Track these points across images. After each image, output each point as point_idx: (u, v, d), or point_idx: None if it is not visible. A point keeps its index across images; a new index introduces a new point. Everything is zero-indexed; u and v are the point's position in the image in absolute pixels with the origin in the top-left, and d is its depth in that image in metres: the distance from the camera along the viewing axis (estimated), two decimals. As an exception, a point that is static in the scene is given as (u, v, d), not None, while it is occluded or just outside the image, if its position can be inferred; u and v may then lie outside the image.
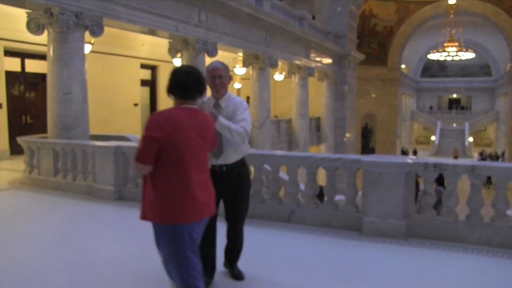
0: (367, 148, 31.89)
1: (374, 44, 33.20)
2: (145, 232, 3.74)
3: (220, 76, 3.64)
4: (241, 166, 3.79)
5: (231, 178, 3.73)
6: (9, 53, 12.68)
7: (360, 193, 5.66)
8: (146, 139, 2.82)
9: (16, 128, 12.54)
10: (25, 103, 13.37)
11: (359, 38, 28.40)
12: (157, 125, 2.84)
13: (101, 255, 4.67)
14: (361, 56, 27.20)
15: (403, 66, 40.93)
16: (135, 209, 6.61)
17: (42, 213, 6.67)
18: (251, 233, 5.45)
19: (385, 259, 4.56)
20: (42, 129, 10.95)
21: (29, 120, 13.26)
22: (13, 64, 13.02)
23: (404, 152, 33.42)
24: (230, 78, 3.74)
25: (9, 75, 12.76)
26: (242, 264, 4.28)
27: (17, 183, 8.75)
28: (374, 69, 32.65)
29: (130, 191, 7.34)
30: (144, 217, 2.96)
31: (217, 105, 3.71)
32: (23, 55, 13.21)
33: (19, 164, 9.72)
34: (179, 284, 2.96)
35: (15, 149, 11.15)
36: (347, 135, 25.10)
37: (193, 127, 2.95)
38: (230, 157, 3.68)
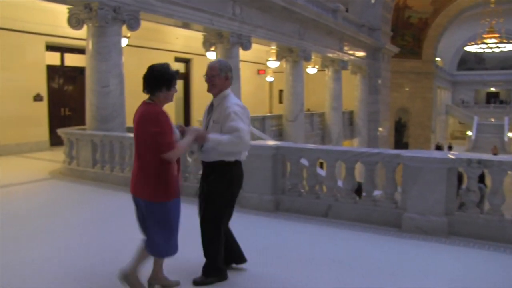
0: (400, 142, 31.36)
1: (408, 36, 32.52)
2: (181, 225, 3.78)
3: (212, 75, 3.67)
4: (220, 167, 3.66)
5: (208, 175, 3.74)
6: (50, 47, 13.00)
7: (399, 188, 5.57)
8: None
9: (55, 120, 12.86)
10: (64, 96, 13.67)
11: (393, 31, 27.90)
12: None
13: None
14: (395, 49, 26.74)
15: (438, 59, 39.99)
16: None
17: (82, 203, 6.83)
18: (287, 227, 5.49)
19: (427, 257, 4.46)
20: (80, 121, 11.19)
21: (67, 112, 13.55)
22: (54, 58, 13.34)
23: (439, 147, 32.67)
24: (226, 78, 3.68)
25: (50, 69, 13.08)
26: (278, 258, 4.28)
27: (57, 173, 8.98)
28: (408, 62, 32.00)
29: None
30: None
31: (211, 104, 3.77)
32: (63, 50, 13.52)
33: (58, 155, 9.96)
34: (167, 249, 3.45)
35: (55, 140, 11.42)
36: (380, 129, 24.76)
37: (134, 119, 3.41)
38: (209, 155, 3.67)
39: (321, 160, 6.31)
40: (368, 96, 23.72)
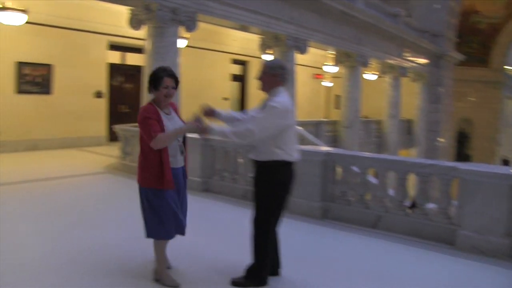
0: (462, 154, 30.09)
1: (475, 43, 31.11)
2: (226, 225, 3.75)
3: (261, 73, 3.70)
4: (268, 167, 3.62)
5: (256, 176, 3.72)
6: (112, 46, 13.45)
7: (454, 203, 5.28)
8: None
9: (113, 117, 13.28)
10: (123, 93, 14.09)
11: (458, 37, 26.83)
12: None
13: (183, 247, 4.69)
14: (459, 56, 25.69)
15: (508, 67, 37.98)
16: (219, 201, 6.77)
17: (130, 198, 6.93)
18: (333, 236, 5.34)
19: (483, 279, 4.19)
20: (137, 118, 11.49)
21: (125, 110, 13.95)
22: (115, 57, 13.82)
23: (506, 162, 31.01)
24: (274, 75, 3.63)
25: (111, 67, 13.55)
26: (319, 268, 4.15)
27: (111, 168, 9.24)
28: (474, 70, 30.61)
29: (215, 183, 7.45)
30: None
31: (264, 100, 3.74)
32: (124, 49, 13.93)
33: (114, 150, 10.24)
34: (157, 231, 3.73)
35: (113, 136, 11.74)
36: (441, 139, 23.85)
37: None
38: (258, 155, 3.66)
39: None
40: (428, 105, 22.90)
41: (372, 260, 4.55)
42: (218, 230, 5.32)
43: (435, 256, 4.73)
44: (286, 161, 3.63)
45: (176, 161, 3.75)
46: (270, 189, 3.63)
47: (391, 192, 5.88)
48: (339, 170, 6.19)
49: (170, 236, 3.75)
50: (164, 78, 3.64)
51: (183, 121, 3.82)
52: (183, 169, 3.86)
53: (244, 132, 3.51)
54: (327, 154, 6.10)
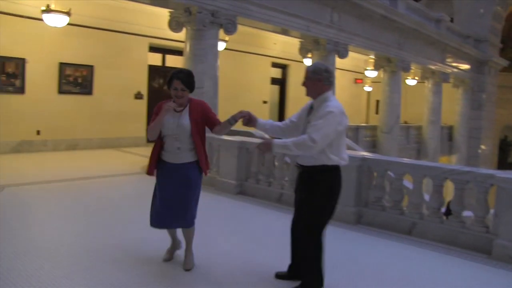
0: (504, 162, 29.14)
1: (522, 49, 30.12)
2: (258, 228, 3.78)
3: (305, 78, 3.63)
4: (318, 172, 3.52)
5: (304, 180, 3.63)
6: (152, 48, 13.72)
7: (492, 211, 5.15)
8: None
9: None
10: (163, 94, 14.30)
11: (503, 42, 26.03)
12: None
13: (214, 247, 4.77)
14: (504, 62, 24.92)
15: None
16: (253, 204, 6.81)
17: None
18: (366, 242, 5.30)
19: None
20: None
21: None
22: (156, 59, 14.08)
23: (549, 171, 29.89)
24: (318, 80, 3.54)
25: (151, 68, 13.81)
26: (352, 273, 4.13)
27: (148, 169, 9.40)
28: (519, 77, 29.64)
29: (250, 186, 7.48)
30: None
31: (311, 106, 3.66)
32: (164, 51, 14.19)
33: (152, 151, 10.43)
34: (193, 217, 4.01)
35: (153, 137, 11.93)
36: (482, 147, 23.20)
37: None
38: (305, 159, 3.57)
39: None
40: (470, 111, 22.35)
41: (405, 267, 4.49)
42: (250, 233, 5.36)
43: (470, 265, 4.63)
44: (336, 166, 3.54)
45: (171, 156, 3.92)
46: (322, 195, 3.53)
47: (427, 198, 5.79)
48: (374, 175, 6.13)
49: (153, 224, 4.06)
50: (174, 80, 3.81)
51: (193, 119, 3.88)
52: (188, 165, 3.94)
53: (306, 142, 3.36)
54: (363, 159, 6.06)
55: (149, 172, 4.04)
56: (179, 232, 4.17)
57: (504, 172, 5.13)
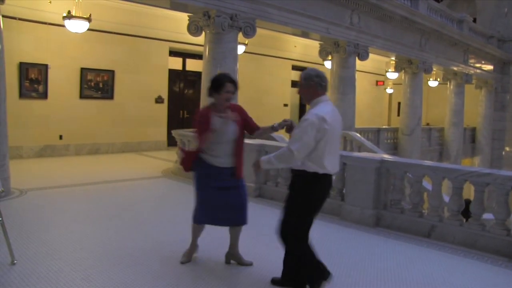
0: (529, 164, 28.51)
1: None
2: (273, 229, 3.78)
3: (299, 85, 3.70)
4: (297, 177, 3.59)
5: (291, 182, 3.72)
6: (173, 53, 13.85)
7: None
8: None
9: (174, 122, 13.60)
10: (184, 99, 14.46)
11: (528, 42, 25.48)
12: None
13: (225, 246, 4.75)
14: (528, 62, 24.41)
15: None
16: (271, 207, 6.78)
17: (188, 202, 7.09)
18: (385, 245, 5.25)
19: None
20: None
21: (186, 115, 14.30)
22: (176, 63, 14.21)
23: None
24: (309, 86, 3.56)
25: (172, 73, 13.94)
26: (370, 274, 4.09)
27: (168, 173, 9.49)
28: (545, 77, 28.95)
29: (269, 189, 7.49)
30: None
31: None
32: (185, 55, 14.32)
33: (173, 155, 10.51)
34: (193, 215, 4.26)
35: (172, 141, 12.05)
36: (507, 148, 22.75)
37: None
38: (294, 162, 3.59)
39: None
40: (493, 113, 21.96)
41: (424, 270, 4.43)
42: (265, 234, 5.33)
43: (490, 269, 4.56)
44: (317, 173, 3.48)
45: (220, 161, 4.01)
46: (301, 198, 3.56)
47: (446, 200, 5.71)
48: (393, 177, 6.07)
49: (199, 221, 4.27)
50: (226, 83, 3.93)
51: (238, 124, 3.99)
52: (232, 169, 4.06)
53: (285, 154, 3.45)
54: (381, 161, 6.01)
55: (187, 169, 4.21)
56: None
57: (525, 174, 5.02)
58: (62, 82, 11.29)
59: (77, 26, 10.15)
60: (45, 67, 10.94)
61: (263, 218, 6.07)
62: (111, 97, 12.33)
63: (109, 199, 7.02)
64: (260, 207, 6.87)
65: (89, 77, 11.84)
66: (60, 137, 11.36)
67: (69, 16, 9.93)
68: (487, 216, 5.45)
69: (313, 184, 3.52)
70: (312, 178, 3.50)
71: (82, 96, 11.75)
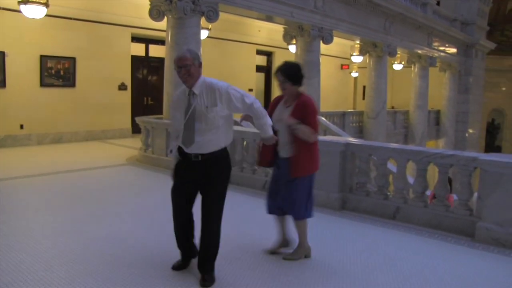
0: (492, 146, 29.33)
1: (509, 31, 30.01)
2: (242, 219, 3.73)
3: (186, 66, 3.46)
4: (219, 157, 3.57)
5: (207, 168, 3.55)
6: (135, 39, 13.50)
7: (475, 195, 5.12)
8: (316, 117, 3.97)
9: (138, 109, 13.33)
10: (147, 85, 14.18)
11: (490, 25, 26.02)
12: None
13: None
14: (491, 45, 24.96)
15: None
16: (238, 193, 6.71)
17: (150, 190, 7.00)
18: (352, 227, 5.26)
19: (500, 272, 4.05)
20: (161, 110, 11.57)
21: (149, 102, 14.05)
22: (139, 49, 13.87)
23: (537, 153, 30.12)
24: (199, 65, 3.54)
25: (135, 59, 13.61)
26: (336, 257, 4.08)
27: (133, 160, 9.32)
28: (507, 60, 29.60)
29: (235, 174, 7.36)
30: (301, 174, 3.96)
31: (191, 93, 3.53)
32: (147, 41, 13.99)
33: (137, 142, 10.32)
34: (306, 213, 4.06)
35: (136, 128, 11.83)
36: (470, 130, 23.30)
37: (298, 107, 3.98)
38: (204, 147, 3.51)
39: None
40: (457, 95, 22.38)
41: (389, 251, 4.45)
42: (236, 220, 5.29)
43: (454, 248, 4.61)
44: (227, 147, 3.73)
45: (281, 151, 4.05)
46: (226, 178, 3.72)
47: (411, 181, 5.76)
48: (358, 160, 6.09)
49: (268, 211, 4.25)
50: (276, 72, 3.99)
51: (295, 118, 3.90)
52: (286, 161, 4.01)
53: (258, 112, 3.61)
54: (347, 144, 6.01)
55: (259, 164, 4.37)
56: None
57: (488, 155, 5.09)
58: (21, 70, 10.87)
59: (34, 12, 9.78)
60: (2, 54, 10.51)
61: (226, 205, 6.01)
62: (73, 84, 11.96)
63: (72, 189, 6.82)
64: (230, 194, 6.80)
65: (49, 64, 11.44)
66: (21, 126, 10.98)
67: (25, 1, 9.54)
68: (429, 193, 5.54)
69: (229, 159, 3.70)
70: (227, 152, 3.67)
71: (42, 84, 11.36)
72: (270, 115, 3.83)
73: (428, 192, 5.69)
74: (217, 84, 3.51)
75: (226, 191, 3.65)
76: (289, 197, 4.01)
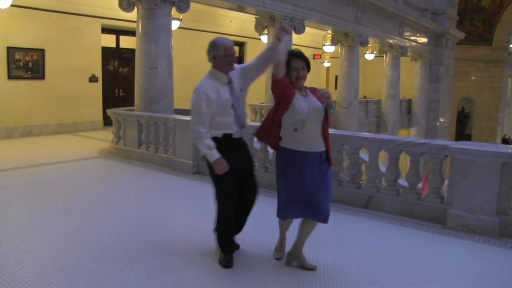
0: (462, 134, 29.96)
1: (478, 21, 30.60)
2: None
3: (234, 53, 3.84)
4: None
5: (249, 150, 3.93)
6: (105, 30, 13.23)
7: (446, 182, 5.20)
8: None
9: (109, 101, 13.09)
10: (118, 77, 13.95)
11: (460, 15, 26.42)
12: None
13: (171, 228, 4.70)
14: (461, 35, 25.37)
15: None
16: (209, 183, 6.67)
17: (123, 182, 6.92)
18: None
19: (470, 258, 4.12)
20: (133, 102, 11.42)
21: (121, 94, 13.82)
22: (109, 40, 13.61)
23: (506, 141, 30.88)
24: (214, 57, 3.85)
25: (105, 50, 13.35)
26: (311, 249, 4.09)
27: (105, 153, 9.17)
28: (476, 49, 30.23)
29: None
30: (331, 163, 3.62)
31: (230, 80, 3.78)
32: (118, 32, 13.74)
33: (109, 135, 10.15)
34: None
35: (108, 121, 11.64)
36: (441, 119, 23.70)
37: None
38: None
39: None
40: (428, 85, 22.70)
41: (362, 240, 4.48)
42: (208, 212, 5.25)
43: (426, 236, 4.67)
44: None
45: (305, 145, 3.52)
46: None
47: (383, 170, 5.81)
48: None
49: (282, 215, 3.74)
50: (292, 59, 3.56)
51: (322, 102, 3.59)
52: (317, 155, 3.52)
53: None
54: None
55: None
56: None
57: (458, 143, 5.16)
58: (-13, 62, 10.56)
59: (-1, 2, 9.46)
60: (-35, 46, 10.19)
61: (201, 196, 5.98)
62: (42, 77, 11.67)
63: (42, 183, 6.67)
64: (198, 184, 6.78)
65: (17, 56, 11.13)
66: (-11, 120, 10.69)
67: (-13, -10, 9.23)
68: (402, 182, 5.60)
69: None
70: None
71: (10, 76, 11.04)
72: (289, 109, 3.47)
73: (419, 185, 5.71)
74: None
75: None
76: (325, 190, 3.51)
